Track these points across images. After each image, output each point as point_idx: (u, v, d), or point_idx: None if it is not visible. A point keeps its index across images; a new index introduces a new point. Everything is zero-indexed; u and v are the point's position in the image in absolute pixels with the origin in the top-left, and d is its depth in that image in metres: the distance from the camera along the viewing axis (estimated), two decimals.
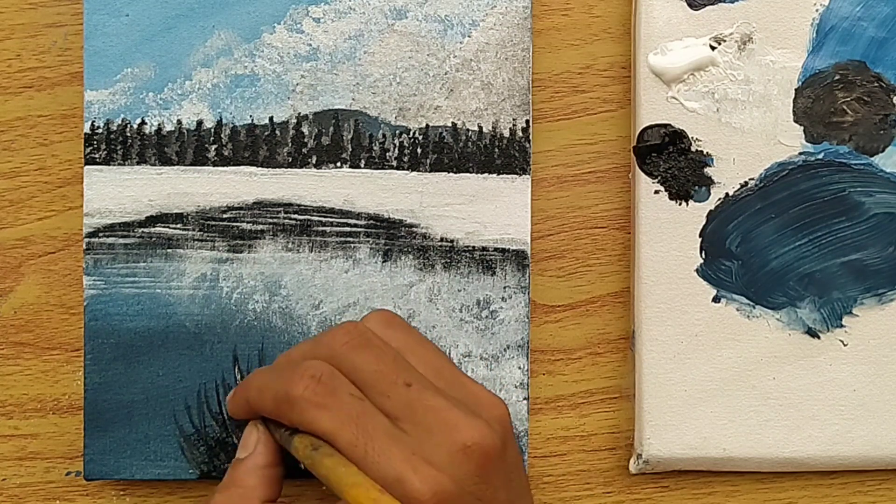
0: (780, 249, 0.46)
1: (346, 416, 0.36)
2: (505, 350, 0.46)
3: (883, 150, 0.46)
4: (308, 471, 0.38)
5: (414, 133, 0.46)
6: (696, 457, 0.46)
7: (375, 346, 0.39)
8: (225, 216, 0.46)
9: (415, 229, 0.46)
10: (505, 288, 0.46)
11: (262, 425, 0.40)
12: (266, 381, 0.39)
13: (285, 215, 0.46)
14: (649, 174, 0.46)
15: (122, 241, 0.45)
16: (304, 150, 0.46)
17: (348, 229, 0.46)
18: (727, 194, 0.46)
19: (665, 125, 0.46)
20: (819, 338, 0.46)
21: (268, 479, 0.39)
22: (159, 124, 0.45)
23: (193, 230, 0.45)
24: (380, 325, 0.40)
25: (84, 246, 0.45)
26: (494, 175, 0.46)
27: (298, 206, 0.46)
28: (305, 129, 0.46)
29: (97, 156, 0.45)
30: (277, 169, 0.46)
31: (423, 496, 0.35)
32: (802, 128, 0.46)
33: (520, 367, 0.46)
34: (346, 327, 0.39)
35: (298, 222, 0.46)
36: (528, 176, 0.46)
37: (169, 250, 0.45)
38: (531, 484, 0.47)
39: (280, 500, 0.40)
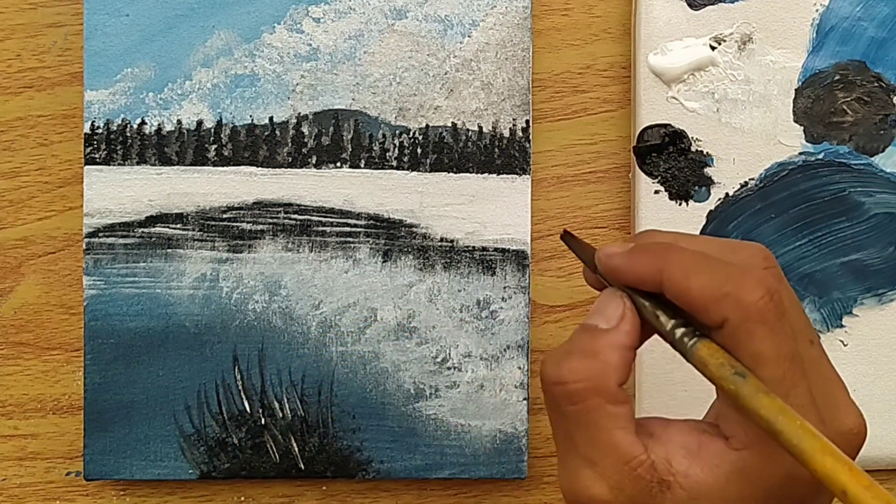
0: (780, 249, 0.46)
1: (785, 350, 0.32)
2: (505, 350, 0.46)
3: (883, 150, 0.46)
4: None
5: (414, 133, 0.46)
6: None
7: (786, 284, 0.34)
8: (225, 216, 0.46)
9: (415, 229, 0.46)
10: (505, 288, 0.46)
11: (629, 300, 0.35)
12: (698, 266, 0.33)
13: (285, 215, 0.46)
14: (649, 174, 0.46)
15: (122, 241, 0.45)
16: (304, 150, 0.46)
17: (348, 229, 0.46)
18: (727, 194, 0.46)
19: (665, 125, 0.46)
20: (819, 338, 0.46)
21: (627, 362, 0.34)
22: (159, 124, 0.45)
23: (193, 230, 0.45)
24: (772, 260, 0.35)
25: (84, 246, 0.45)
26: (494, 175, 0.46)
27: (298, 206, 0.46)
28: (305, 129, 0.46)
29: (97, 156, 0.45)
30: (277, 169, 0.46)
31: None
32: (802, 128, 0.46)
33: (520, 368, 0.46)
34: (763, 251, 0.34)
35: (298, 222, 0.46)
36: (528, 176, 0.46)
37: (169, 250, 0.45)
38: (531, 484, 0.47)
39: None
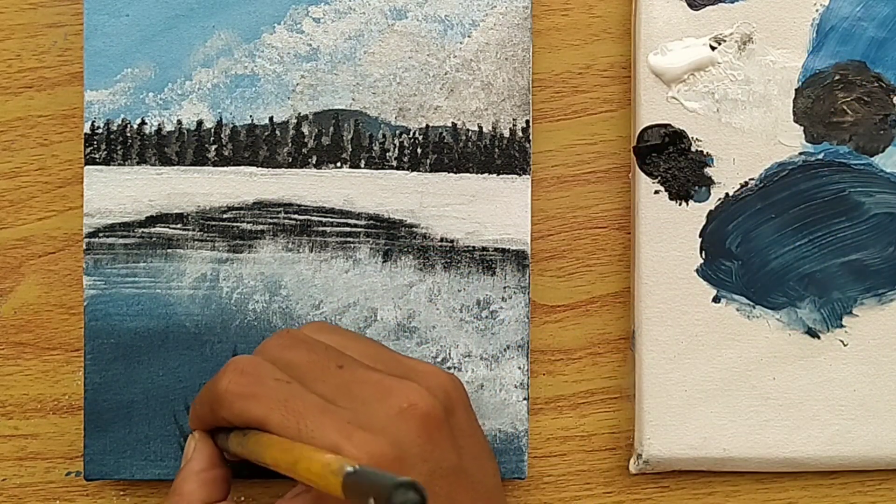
0: (780, 249, 0.46)
1: (273, 401, 0.37)
2: (505, 350, 0.46)
3: (883, 150, 0.46)
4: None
5: (414, 133, 0.46)
6: (696, 457, 0.46)
7: (307, 343, 0.40)
8: (225, 216, 0.46)
9: (415, 229, 0.46)
10: (505, 288, 0.46)
11: (200, 433, 0.41)
12: (202, 391, 0.40)
13: (285, 215, 0.46)
14: (649, 174, 0.46)
15: (122, 241, 0.45)
16: (304, 150, 0.46)
17: (348, 229, 0.46)
18: (727, 194, 0.46)
19: (665, 125, 0.46)
20: (819, 338, 0.46)
21: (204, 483, 0.40)
22: (159, 124, 0.45)
23: (193, 230, 0.45)
24: (312, 330, 0.41)
25: (84, 246, 0.45)
26: (494, 175, 0.46)
27: (298, 206, 0.46)
28: (305, 129, 0.46)
29: (97, 156, 0.45)
30: (277, 169, 0.46)
31: (360, 460, 0.35)
32: (802, 128, 0.46)
33: (520, 368, 0.46)
34: (279, 333, 0.41)
35: (298, 222, 0.46)
36: (528, 176, 0.46)
37: (169, 250, 0.45)
38: (531, 484, 0.47)
39: (234, 500, 0.41)
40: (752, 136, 0.46)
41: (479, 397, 0.46)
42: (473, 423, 0.41)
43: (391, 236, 0.46)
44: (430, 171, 0.46)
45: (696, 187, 0.46)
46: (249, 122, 0.46)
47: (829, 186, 0.46)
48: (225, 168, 0.46)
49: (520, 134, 0.46)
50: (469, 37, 0.46)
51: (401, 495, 0.29)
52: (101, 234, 0.45)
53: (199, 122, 0.46)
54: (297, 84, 0.46)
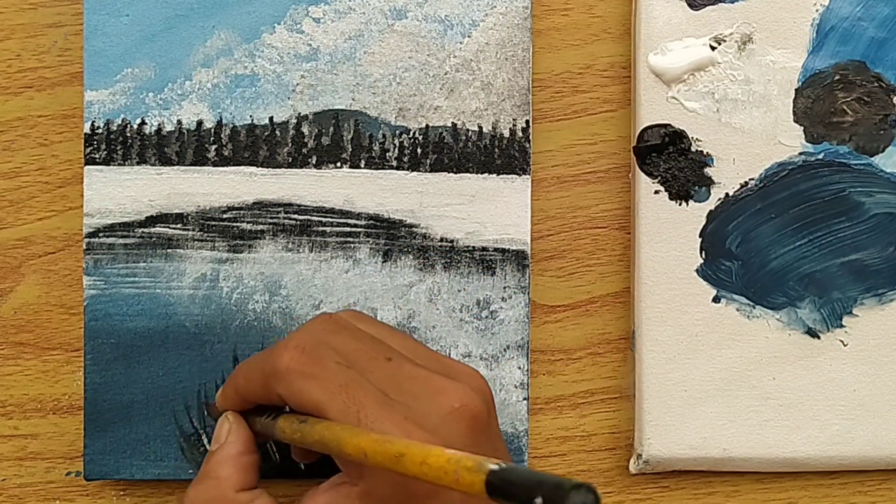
0: (780, 249, 0.46)
1: (335, 385, 0.36)
2: (505, 350, 0.46)
3: (883, 150, 0.46)
4: (295, 470, 0.38)
5: (414, 133, 0.46)
6: (696, 457, 0.46)
7: (351, 329, 0.39)
8: (225, 216, 0.46)
9: (415, 229, 0.46)
10: (505, 288, 0.46)
11: (234, 415, 0.40)
12: (252, 365, 0.39)
13: (285, 215, 0.46)
14: (649, 174, 0.46)
15: (122, 241, 0.45)
16: (304, 150, 0.46)
17: (348, 229, 0.46)
18: (727, 194, 0.46)
19: (665, 125, 0.46)
20: (819, 338, 0.46)
21: (241, 468, 0.39)
22: (159, 124, 0.45)
23: (193, 230, 0.45)
24: (351, 318, 0.41)
25: (84, 246, 0.45)
26: (494, 175, 0.46)
27: (298, 206, 0.46)
28: (305, 129, 0.46)
29: (97, 156, 0.45)
30: (277, 169, 0.46)
31: None
32: (802, 128, 0.46)
33: (520, 368, 0.46)
34: (322, 317, 0.40)
35: (298, 222, 0.46)
36: (528, 176, 0.46)
37: (169, 250, 0.45)
38: None
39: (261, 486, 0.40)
40: (752, 136, 0.46)
41: None
42: (499, 427, 0.40)
43: (391, 236, 0.46)
44: (430, 171, 0.46)
45: (696, 187, 0.46)
46: (249, 122, 0.46)
47: (829, 186, 0.46)
48: (225, 168, 0.46)
49: (520, 134, 0.46)
50: (469, 37, 0.46)
51: (581, 496, 0.28)
52: (101, 234, 0.45)
53: (199, 122, 0.46)
54: (297, 84, 0.46)
